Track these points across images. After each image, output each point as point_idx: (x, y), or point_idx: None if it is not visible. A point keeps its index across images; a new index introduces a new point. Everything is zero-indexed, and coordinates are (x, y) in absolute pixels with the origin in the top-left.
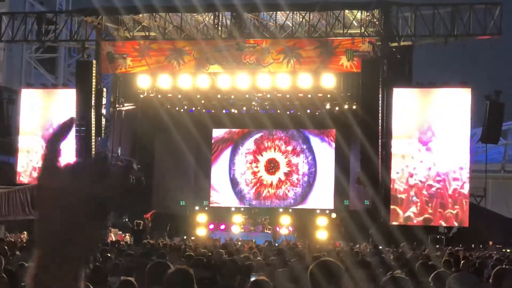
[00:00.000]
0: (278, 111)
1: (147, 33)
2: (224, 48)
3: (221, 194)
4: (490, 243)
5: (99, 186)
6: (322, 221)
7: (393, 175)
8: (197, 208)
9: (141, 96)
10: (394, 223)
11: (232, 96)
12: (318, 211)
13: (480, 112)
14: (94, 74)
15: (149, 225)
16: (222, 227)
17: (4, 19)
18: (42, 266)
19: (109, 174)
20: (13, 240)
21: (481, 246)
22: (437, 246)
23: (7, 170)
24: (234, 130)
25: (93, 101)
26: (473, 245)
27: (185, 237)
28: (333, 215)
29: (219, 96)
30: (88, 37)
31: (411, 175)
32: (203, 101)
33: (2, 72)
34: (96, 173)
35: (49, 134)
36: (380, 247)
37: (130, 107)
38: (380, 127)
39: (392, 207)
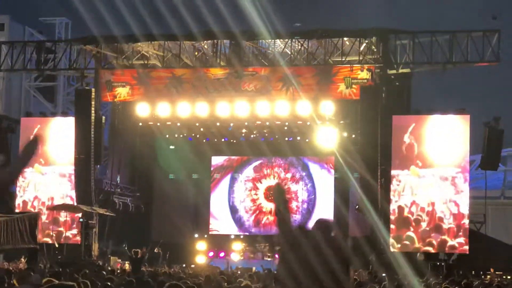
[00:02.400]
0: (277, 138)
1: (146, 61)
2: (223, 76)
3: (221, 221)
4: (492, 270)
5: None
6: None
7: (393, 202)
8: (196, 235)
9: (140, 124)
10: (394, 250)
11: (231, 124)
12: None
13: (479, 139)
14: (93, 103)
15: (147, 254)
16: (222, 254)
17: (4, 48)
18: None
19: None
20: (11, 268)
21: (481, 273)
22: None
23: (6, 199)
24: (233, 157)
25: (92, 129)
26: (473, 272)
27: (184, 265)
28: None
29: (218, 124)
30: (87, 66)
31: (410, 203)
32: (202, 129)
33: (1, 101)
34: None
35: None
36: (384, 275)
37: (129, 135)
38: (379, 154)
39: (392, 234)
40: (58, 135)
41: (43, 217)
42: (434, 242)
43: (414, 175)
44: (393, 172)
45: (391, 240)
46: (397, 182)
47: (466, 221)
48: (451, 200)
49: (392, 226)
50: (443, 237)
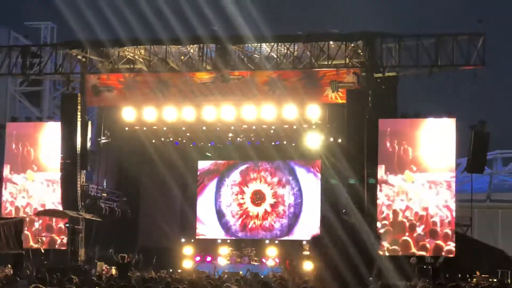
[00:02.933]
0: (264, 142)
1: (132, 66)
2: (209, 80)
3: (207, 226)
4: (478, 273)
5: None
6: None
7: (379, 205)
8: (183, 240)
9: (126, 128)
10: (380, 253)
11: (218, 128)
12: (304, 242)
13: (465, 142)
14: (79, 107)
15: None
16: (208, 259)
17: None
18: None
19: None
20: None
21: (468, 276)
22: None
23: None
24: (219, 161)
25: (78, 134)
26: (460, 275)
27: (171, 270)
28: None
29: (204, 128)
30: (73, 70)
31: (396, 206)
32: (188, 134)
33: None
34: None
35: None
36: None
37: (115, 140)
38: (365, 158)
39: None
40: (48, 141)
41: (36, 224)
42: (428, 246)
43: (400, 178)
44: (379, 175)
45: (386, 244)
46: (389, 187)
47: (452, 224)
48: (437, 203)
49: (382, 230)
50: (437, 241)
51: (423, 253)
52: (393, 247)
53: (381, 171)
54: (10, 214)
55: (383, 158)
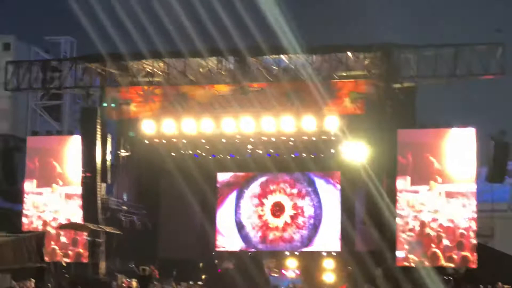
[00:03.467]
0: (283, 154)
1: (151, 79)
2: (228, 92)
3: (227, 238)
4: (499, 284)
5: None
6: (328, 264)
7: (399, 216)
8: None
9: (146, 141)
10: (401, 264)
11: (237, 140)
12: (324, 254)
13: (485, 152)
14: (98, 121)
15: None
16: None
17: (10, 68)
18: None
19: None
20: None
21: (489, 286)
22: None
23: (13, 218)
24: (239, 174)
25: (98, 147)
26: (481, 286)
27: (191, 282)
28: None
29: (223, 140)
30: (93, 84)
31: (417, 216)
32: (207, 146)
33: (8, 120)
34: None
35: None
36: None
37: (134, 153)
38: (384, 169)
39: (398, 248)
40: (71, 154)
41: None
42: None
43: (421, 189)
44: (398, 186)
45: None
46: (403, 196)
47: (473, 235)
48: (458, 213)
49: (398, 240)
50: (451, 251)
51: (451, 264)
52: (422, 259)
53: (406, 183)
54: (37, 228)
55: (405, 169)
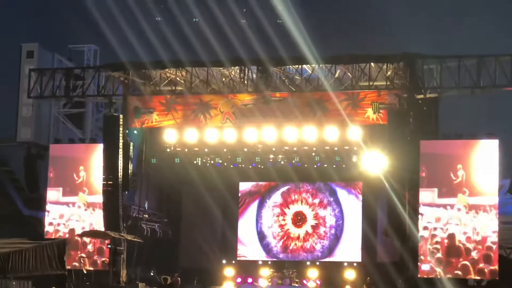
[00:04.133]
0: (305, 164)
1: (173, 87)
2: (250, 101)
3: (248, 247)
4: None
5: None
6: (349, 274)
7: (421, 227)
8: (224, 261)
9: (168, 150)
10: (424, 275)
11: (259, 149)
12: (345, 264)
13: (508, 163)
14: (121, 129)
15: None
16: (250, 280)
17: (33, 76)
18: None
19: None
20: None
21: None
22: None
23: (35, 225)
24: (261, 183)
25: (120, 156)
26: None
27: None
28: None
29: (245, 149)
30: (115, 92)
31: (439, 227)
32: (229, 156)
33: (30, 128)
34: None
35: None
36: None
37: (156, 161)
38: (407, 180)
39: (422, 260)
40: (95, 163)
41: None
42: (464, 268)
43: (443, 200)
44: (421, 197)
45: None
46: (425, 208)
47: (496, 247)
48: (480, 225)
49: (420, 252)
50: (472, 263)
51: (479, 277)
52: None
53: (433, 195)
54: (59, 236)
55: (430, 181)
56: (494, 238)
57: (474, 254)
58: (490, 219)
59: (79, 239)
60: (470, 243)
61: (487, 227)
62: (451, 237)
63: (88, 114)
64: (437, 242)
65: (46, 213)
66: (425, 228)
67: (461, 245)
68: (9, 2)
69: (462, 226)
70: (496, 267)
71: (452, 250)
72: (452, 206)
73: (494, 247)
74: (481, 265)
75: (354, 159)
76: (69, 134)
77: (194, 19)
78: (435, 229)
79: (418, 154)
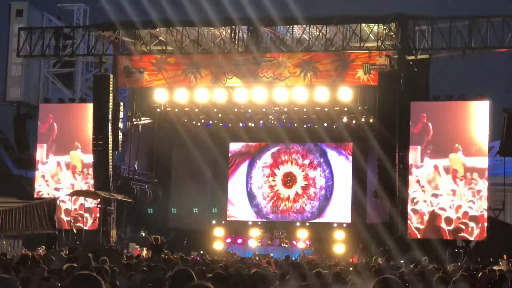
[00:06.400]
0: (295, 124)
1: (164, 47)
2: (241, 62)
3: (238, 208)
4: (505, 257)
5: None
6: (339, 235)
7: (410, 188)
8: (214, 222)
9: (158, 110)
10: (414, 236)
11: (249, 110)
12: (335, 225)
13: (498, 125)
14: (111, 89)
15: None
16: (239, 241)
17: (22, 34)
18: None
19: None
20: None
21: (499, 259)
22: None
23: (24, 185)
24: (251, 143)
25: (110, 115)
26: (491, 259)
27: (201, 252)
28: None
29: (236, 110)
30: (105, 52)
31: (428, 188)
32: (220, 115)
33: (20, 87)
34: None
35: None
36: (402, 261)
37: (147, 121)
38: (397, 141)
39: (409, 220)
40: (77, 121)
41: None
42: (452, 229)
43: (432, 160)
44: (410, 158)
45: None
46: (414, 168)
47: (484, 208)
48: (469, 186)
49: (409, 212)
50: (461, 224)
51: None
52: (438, 232)
53: (416, 154)
54: (48, 195)
55: (415, 141)
56: (476, 197)
57: (463, 215)
58: (473, 179)
59: (64, 198)
60: (456, 204)
61: (469, 187)
62: (436, 196)
63: (77, 73)
64: (424, 201)
65: (36, 172)
66: (412, 188)
67: (446, 205)
68: None
69: (447, 188)
70: (485, 228)
71: (438, 215)
72: (441, 168)
73: (483, 211)
74: (470, 226)
75: (345, 120)
76: (59, 93)
77: None
78: (421, 189)
79: (409, 115)
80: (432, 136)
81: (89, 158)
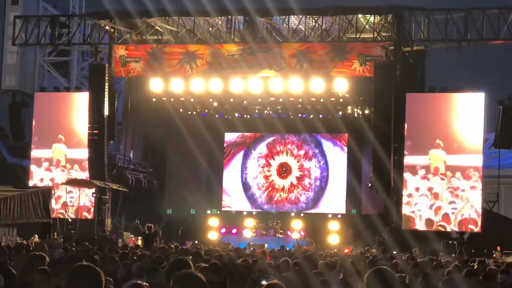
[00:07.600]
0: (291, 115)
1: (159, 37)
2: (237, 52)
3: (233, 198)
4: (498, 248)
5: None
6: (334, 226)
7: (407, 179)
8: (208, 212)
9: (154, 99)
10: (408, 228)
11: (245, 100)
12: (330, 216)
13: (493, 117)
14: (106, 78)
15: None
16: (234, 231)
17: (18, 23)
18: None
19: None
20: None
21: (493, 251)
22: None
23: (20, 173)
24: (246, 134)
25: (105, 105)
26: (485, 250)
27: (196, 241)
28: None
29: (231, 100)
30: (101, 41)
31: (423, 179)
32: (215, 105)
33: (15, 76)
34: None
35: None
36: (395, 252)
37: (142, 111)
38: (392, 132)
39: (404, 211)
40: (73, 110)
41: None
42: (447, 220)
43: (428, 152)
44: (406, 149)
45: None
46: (410, 160)
47: (479, 200)
48: (464, 178)
49: (404, 203)
50: (456, 215)
51: (455, 228)
52: (433, 224)
53: (408, 146)
54: (43, 184)
55: (410, 133)
56: (475, 191)
57: (453, 208)
58: (466, 170)
59: (60, 186)
60: (444, 195)
61: (462, 178)
62: (431, 189)
63: (73, 62)
64: (421, 195)
65: (31, 161)
66: (407, 179)
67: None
68: None
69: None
70: (479, 220)
71: (432, 203)
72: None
73: (478, 207)
74: (464, 218)
75: (340, 111)
76: (54, 82)
77: None
78: (416, 181)
79: (404, 106)
80: (427, 129)
81: (72, 153)
